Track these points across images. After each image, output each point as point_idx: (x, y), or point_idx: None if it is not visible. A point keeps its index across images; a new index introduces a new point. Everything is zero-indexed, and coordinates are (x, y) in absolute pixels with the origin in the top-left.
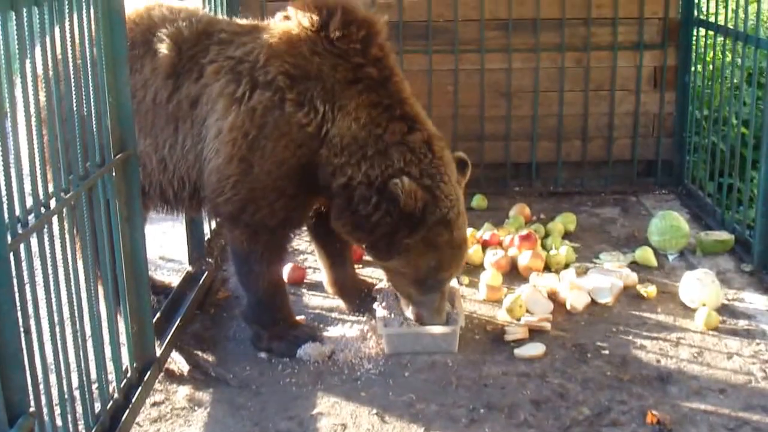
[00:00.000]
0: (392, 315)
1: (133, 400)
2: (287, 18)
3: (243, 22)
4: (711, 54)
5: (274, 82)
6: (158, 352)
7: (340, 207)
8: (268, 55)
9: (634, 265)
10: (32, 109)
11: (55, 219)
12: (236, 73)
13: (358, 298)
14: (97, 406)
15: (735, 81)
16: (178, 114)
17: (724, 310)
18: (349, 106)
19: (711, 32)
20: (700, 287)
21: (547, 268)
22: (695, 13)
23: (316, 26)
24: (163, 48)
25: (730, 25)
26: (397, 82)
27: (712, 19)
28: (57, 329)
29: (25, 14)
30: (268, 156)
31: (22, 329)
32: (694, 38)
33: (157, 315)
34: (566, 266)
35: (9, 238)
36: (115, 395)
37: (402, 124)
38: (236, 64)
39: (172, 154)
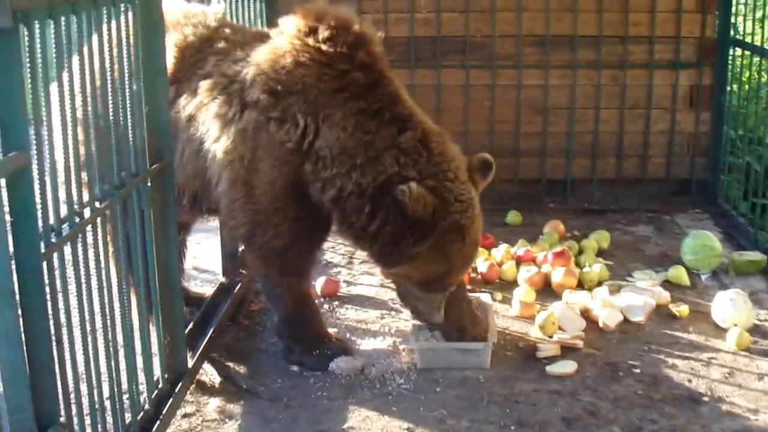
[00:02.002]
0: (425, 330)
1: (164, 412)
2: (280, 33)
3: (248, 29)
4: (747, 74)
5: (259, 102)
6: (190, 363)
7: (339, 221)
8: (254, 74)
9: (666, 284)
10: (68, 118)
11: (89, 228)
12: (228, 93)
13: None
14: (128, 417)
15: None
16: (177, 123)
17: (756, 330)
18: (335, 116)
19: (747, 52)
20: (732, 307)
21: (580, 285)
22: (731, 33)
23: (304, 31)
24: (168, 55)
25: (766, 46)
26: (387, 84)
27: (748, 39)
28: (89, 339)
29: (63, 23)
30: (263, 176)
31: (54, 338)
32: (730, 58)
33: (190, 326)
34: (599, 284)
35: (42, 247)
36: (146, 406)
37: (392, 128)
38: (229, 83)
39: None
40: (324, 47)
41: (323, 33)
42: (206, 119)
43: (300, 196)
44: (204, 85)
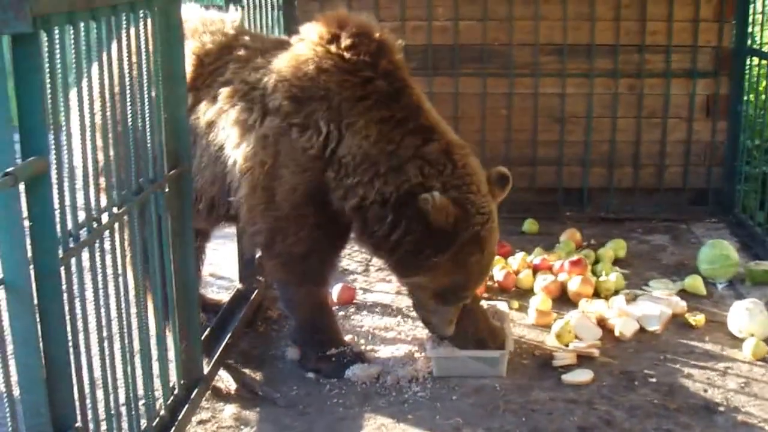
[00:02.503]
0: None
1: (180, 418)
2: (302, 40)
3: (267, 37)
4: (763, 83)
5: (281, 109)
6: (206, 369)
7: (359, 230)
8: (276, 81)
9: (683, 293)
10: (87, 123)
11: (106, 234)
12: (249, 100)
13: None
14: (144, 423)
15: None
16: (196, 130)
17: None
18: (358, 123)
19: (764, 62)
20: (748, 317)
21: (596, 294)
22: (748, 42)
23: (326, 38)
24: (187, 62)
25: None
26: (411, 94)
27: (765, 48)
28: (105, 344)
29: (82, 28)
30: (284, 183)
31: (71, 343)
32: (747, 67)
33: (206, 332)
34: (616, 293)
35: (61, 252)
36: (162, 412)
37: (416, 138)
38: (250, 90)
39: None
40: (347, 54)
41: (346, 40)
42: (226, 125)
43: (321, 204)
44: (224, 92)
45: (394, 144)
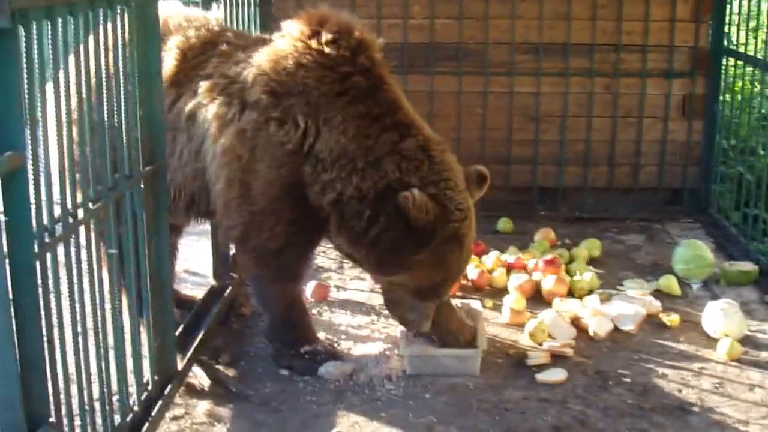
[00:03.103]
0: (415, 335)
1: (153, 414)
2: (283, 36)
3: (250, 35)
4: (739, 84)
5: (259, 103)
6: (180, 365)
7: (336, 225)
8: (255, 75)
9: (657, 293)
10: (64, 119)
11: (81, 229)
12: (228, 94)
13: None
14: (117, 419)
15: (763, 111)
16: (177, 125)
17: (747, 341)
18: (335, 118)
19: (740, 62)
20: (723, 317)
21: (570, 293)
22: (725, 42)
23: (307, 34)
24: (170, 57)
25: (759, 56)
26: (389, 90)
27: (741, 49)
28: (80, 340)
29: (60, 24)
30: (261, 177)
31: (45, 339)
32: (723, 68)
33: (180, 329)
34: (590, 292)
35: (36, 247)
36: (135, 408)
37: (393, 133)
38: (229, 84)
39: (171, 163)
40: (326, 50)
41: (326, 36)
42: (206, 119)
43: (297, 199)
44: (204, 85)
45: (372, 140)
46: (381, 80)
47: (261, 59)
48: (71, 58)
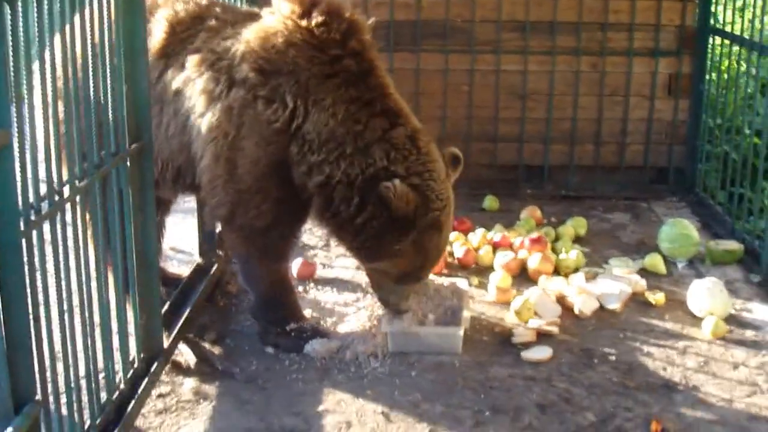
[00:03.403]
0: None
1: (139, 391)
2: (272, 13)
3: (240, 9)
4: (726, 63)
5: (247, 80)
6: (166, 343)
7: (321, 208)
8: (243, 52)
9: (643, 272)
10: (49, 96)
11: (68, 207)
12: (216, 70)
13: None
14: (103, 396)
15: (749, 90)
16: (164, 97)
17: (732, 319)
18: (325, 101)
19: (726, 41)
20: (708, 296)
21: (556, 271)
22: (711, 21)
23: (298, 13)
24: (158, 29)
25: (745, 35)
26: (378, 76)
27: (728, 28)
28: (66, 317)
29: (45, 1)
30: (247, 155)
31: (31, 316)
32: (710, 47)
33: (166, 306)
34: (575, 270)
35: (22, 225)
36: (122, 386)
37: (383, 120)
38: (217, 60)
39: (157, 135)
40: (317, 31)
41: (317, 17)
42: (193, 94)
43: (284, 178)
44: (192, 60)
45: (361, 125)
46: (371, 65)
47: (250, 36)
48: (57, 36)
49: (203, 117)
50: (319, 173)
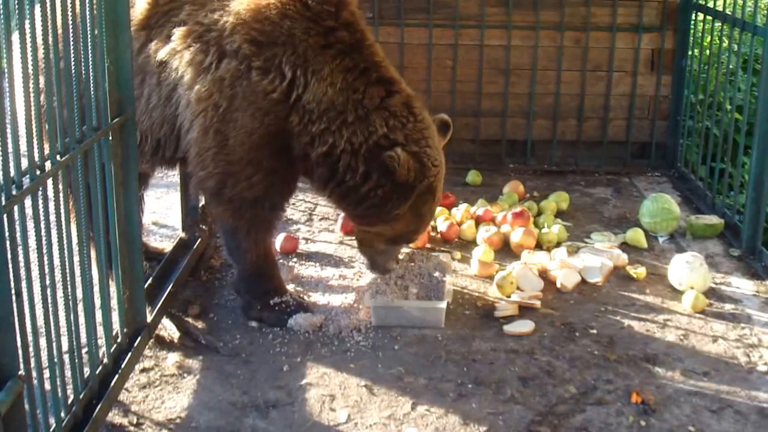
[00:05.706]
0: (381, 286)
1: (123, 366)
2: None
3: None
4: (708, 39)
5: (239, 51)
6: (149, 318)
7: (324, 177)
8: (234, 24)
9: (624, 246)
10: (30, 70)
11: (50, 182)
12: (204, 42)
13: None
14: (87, 371)
15: (731, 67)
16: (146, 68)
17: (712, 293)
18: (323, 71)
19: (709, 17)
20: (688, 270)
21: (538, 245)
22: None
23: None
24: (140, 0)
25: (728, 11)
26: (370, 45)
27: (711, 4)
28: (48, 292)
29: None
30: (240, 126)
31: (13, 292)
32: (693, 22)
33: (149, 281)
34: (558, 245)
35: (3, 200)
36: (105, 360)
37: (380, 88)
38: (205, 31)
39: (137, 106)
40: (311, 3)
41: None
42: (180, 66)
43: (278, 149)
44: (178, 32)
45: (359, 93)
46: (363, 36)
47: (240, 7)
48: (37, 7)
49: (191, 89)
50: (323, 143)
